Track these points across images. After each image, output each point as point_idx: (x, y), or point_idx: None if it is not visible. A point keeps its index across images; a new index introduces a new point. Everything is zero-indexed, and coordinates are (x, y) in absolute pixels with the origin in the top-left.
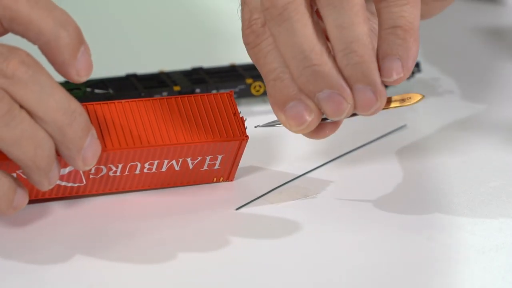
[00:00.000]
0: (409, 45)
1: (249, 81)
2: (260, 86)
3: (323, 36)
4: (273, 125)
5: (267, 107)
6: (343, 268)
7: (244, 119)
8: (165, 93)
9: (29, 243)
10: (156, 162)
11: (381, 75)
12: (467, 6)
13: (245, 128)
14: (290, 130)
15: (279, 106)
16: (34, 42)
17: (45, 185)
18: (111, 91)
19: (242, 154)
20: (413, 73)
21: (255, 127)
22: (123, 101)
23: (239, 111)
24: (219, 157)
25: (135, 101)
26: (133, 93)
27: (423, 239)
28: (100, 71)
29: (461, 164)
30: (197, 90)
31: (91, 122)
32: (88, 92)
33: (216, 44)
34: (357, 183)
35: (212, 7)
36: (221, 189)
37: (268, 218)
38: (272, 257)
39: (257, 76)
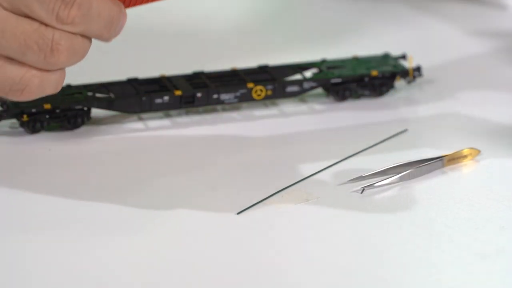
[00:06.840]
0: None
1: (250, 85)
2: (261, 91)
3: None
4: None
5: (268, 111)
6: (346, 272)
7: None
8: (166, 98)
9: (29, 247)
10: None
11: None
12: (468, 10)
13: None
14: None
15: None
16: None
17: None
18: (112, 95)
19: None
20: (414, 77)
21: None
22: None
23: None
24: None
25: None
26: (135, 97)
27: (424, 240)
28: (101, 76)
29: (461, 168)
30: (198, 95)
31: None
32: (89, 96)
33: (217, 49)
34: (358, 187)
35: (214, 12)
36: (222, 192)
37: (270, 222)
38: (274, 261)
39: (259, 81)
